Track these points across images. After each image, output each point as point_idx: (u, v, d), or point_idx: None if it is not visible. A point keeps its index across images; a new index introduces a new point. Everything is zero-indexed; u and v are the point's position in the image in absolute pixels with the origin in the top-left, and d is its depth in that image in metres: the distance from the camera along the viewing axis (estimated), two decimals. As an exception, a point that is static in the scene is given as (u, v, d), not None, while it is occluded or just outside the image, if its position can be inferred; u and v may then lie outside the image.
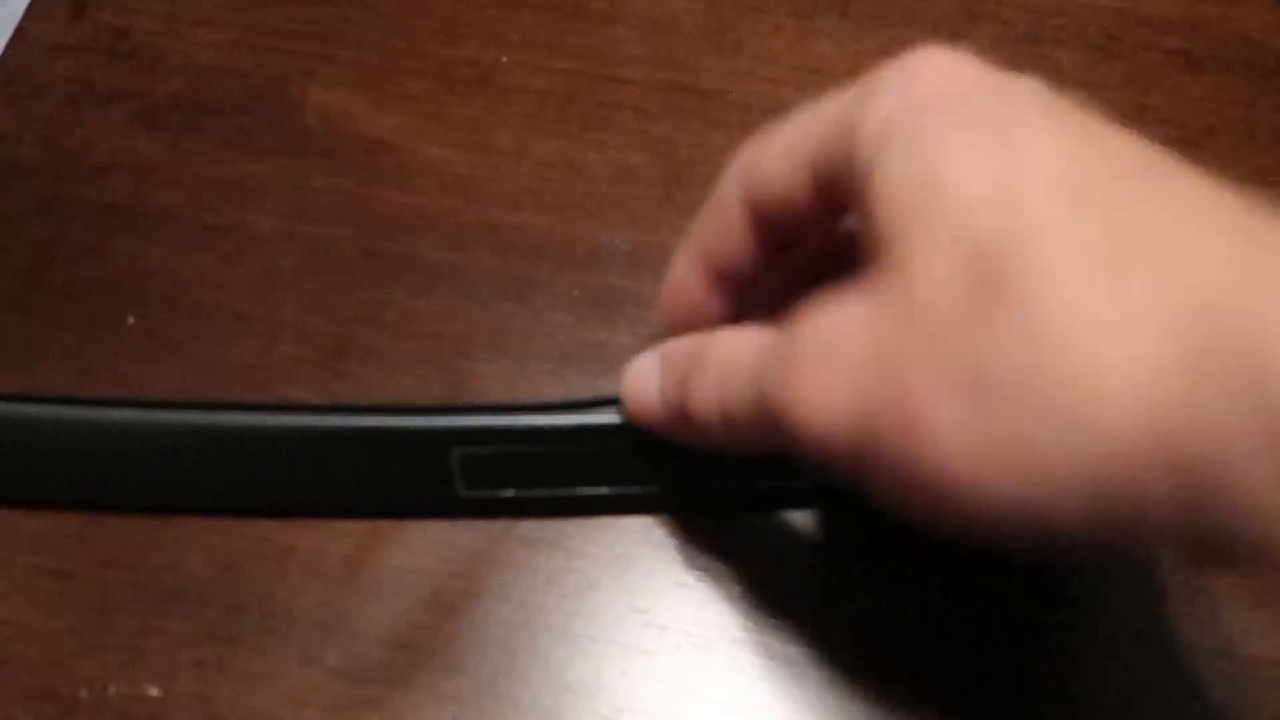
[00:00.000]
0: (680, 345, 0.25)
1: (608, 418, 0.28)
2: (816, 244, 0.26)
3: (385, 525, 0.29)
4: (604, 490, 0.29)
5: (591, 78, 0.35)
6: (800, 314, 0.21)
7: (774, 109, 0.35)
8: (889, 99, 0.21)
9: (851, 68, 0.35)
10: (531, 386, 0.31)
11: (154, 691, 0.28)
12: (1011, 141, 0.19)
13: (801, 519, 0.29)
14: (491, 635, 0.28)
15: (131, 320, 0.32)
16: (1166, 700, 0.27)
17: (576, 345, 0.31)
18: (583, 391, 0.31)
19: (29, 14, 0.37)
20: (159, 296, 0.32)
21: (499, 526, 0.29)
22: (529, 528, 0.29)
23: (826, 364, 0.20)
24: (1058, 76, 0.35)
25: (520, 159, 0.34)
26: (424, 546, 0.29)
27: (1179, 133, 0.34)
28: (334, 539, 0.29)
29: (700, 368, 0.24)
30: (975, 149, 0.19)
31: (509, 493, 0.29)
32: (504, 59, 0.36)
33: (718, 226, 0.25)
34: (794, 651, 0.28)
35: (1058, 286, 0.18)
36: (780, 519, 0.29)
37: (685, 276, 0.26)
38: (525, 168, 0.34)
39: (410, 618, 0.28)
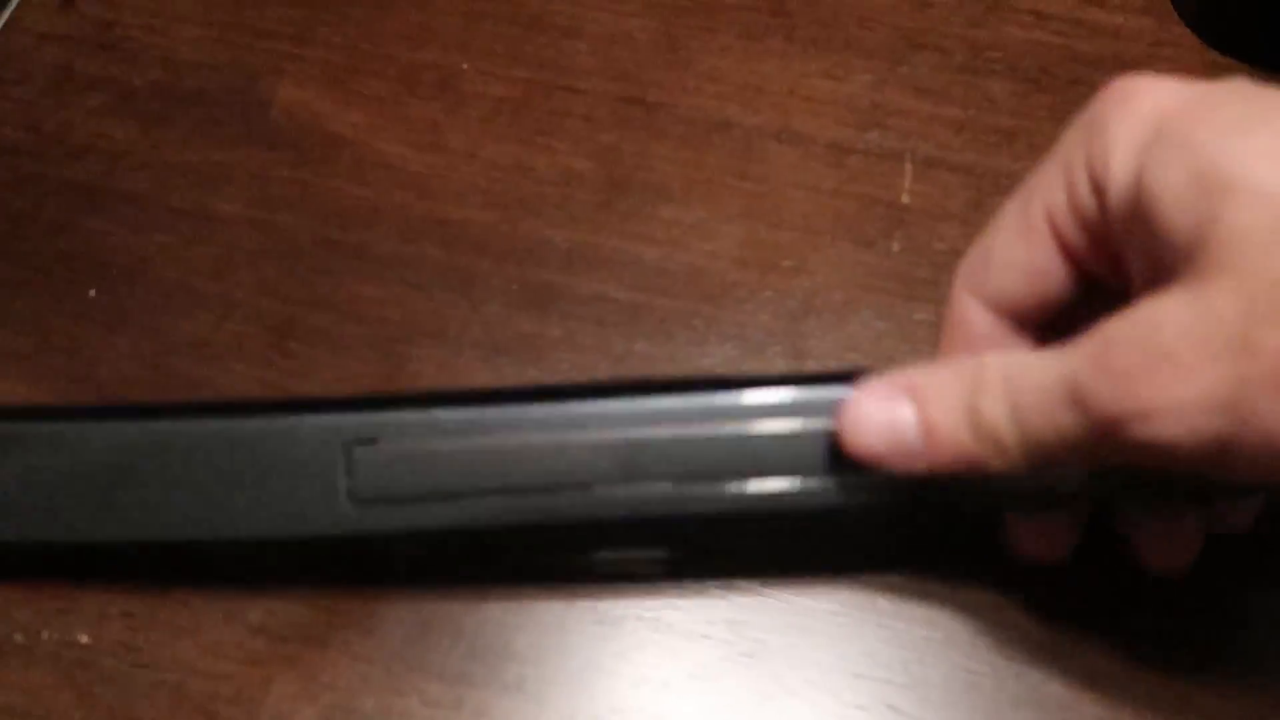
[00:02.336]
0: (935, 377, 0.24)
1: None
2: None
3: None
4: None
5: (546, 87, 0.37)
6: (1107, 330, 0.22)
7: (718, 124, 0.37)
8: (1125, 124, 0.22)
9: (793, 88, 0.37)
10: (465, 372, 0.33)
11: (84, 639, 0.29)
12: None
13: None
14: (406, 603, 0.29)
15: (93, 293, 0.34)
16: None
17: (510, 336, 0.33)
18: (512, 381, 0.32)
19: (22, 4, 0.40)
20: (121, 271, 0.34)
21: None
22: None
23: (1172, 363, 0.20)
24: (990, 106, 0.37)
25: (472, 159, 0.36)
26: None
27: (1102, 164, 0.36)
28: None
29: (986, 392, 0.23)
30: (1255, 140, 0.20)
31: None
32: (465, 66, 0.38)
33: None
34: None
35: None
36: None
37: (966, 309, 0.26)
38: (476, 167, 0.36)
39: (331, 582, 0.30)
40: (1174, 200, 0.21)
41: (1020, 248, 0.25)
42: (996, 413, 0.23)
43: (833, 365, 0.32)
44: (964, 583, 0.29)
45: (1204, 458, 0.21)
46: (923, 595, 0.29)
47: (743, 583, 0.29)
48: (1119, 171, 0.22)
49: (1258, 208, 0.20)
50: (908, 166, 0.36)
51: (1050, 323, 0.26)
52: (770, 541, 0.30)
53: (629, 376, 0.32)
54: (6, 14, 0.39)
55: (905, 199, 0.35)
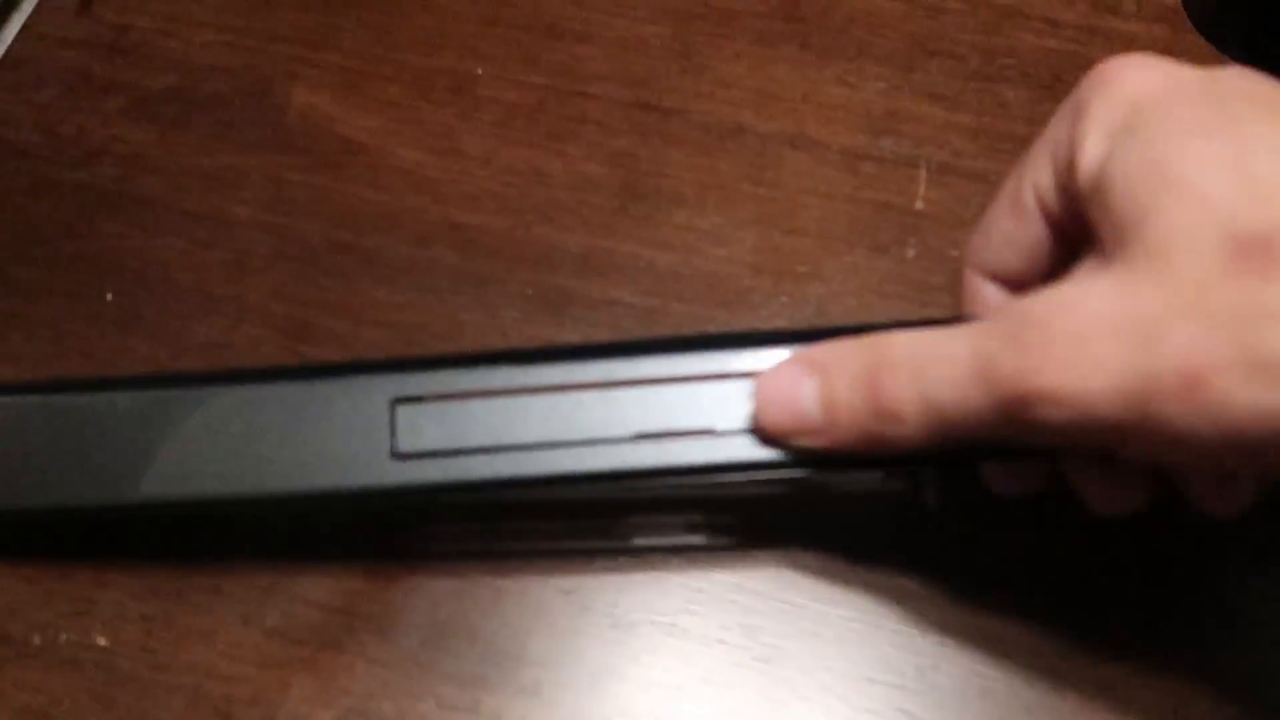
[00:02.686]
0: (837, 352, 0.25)
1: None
2: None
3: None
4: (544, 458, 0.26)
5: (560, 92, 0.37)
6: (1025, 306, 0.22)
7: (732, 130, 0.37)
8: (1101, 106, 0.23)
9: (807, 94, 0.37)
10: (480, 376, 0.33)
11: (102, 641, 0.29)
12: (1243, 137, 0.21)
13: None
14: (423, 606, 0.30)
15: (109, 296, 0.34)
16: None
17: (524, 340, 0.33)
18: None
19: (39, 9, 0.40)
20: (136, 275, 0.34)
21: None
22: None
23: (1086, 342, 0.21)
24: (1004, 113, 0.37)
25: (486, 164, 0.36)
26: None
27: (1115, 170, 0.36)
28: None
29: (888, 367, 0.23)
30: (1208, 144, 0.21)
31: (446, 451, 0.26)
32: (479, 71, 0.38)
33: (1016, 220, 0.26)
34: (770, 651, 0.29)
35: None
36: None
37: (979, 287, 0.27)
38: (490, 172, 0.36)
39: (347, 585, 0.30)
40: (1123, 188, 0.21)
41: (1013, 223, 0.26)
42: (899, 387, 0.23)
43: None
44: (978, 590, 0.29)
45: (1100, 442, 0.21)
46: (936, 601, 0.29)
47: (757, 587, 0.30)
48: (1090, 152, 0.23)
49: (1195, 210, 0.20)
50: (922, 173, 0.36)
51: None
52: (785, 542, 0.30)
53: (667, 335, 0.32)
54: (22, 18, 0.40)
55: (919, 205, 0.35)
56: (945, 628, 0.29)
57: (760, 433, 0.25)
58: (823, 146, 0.36)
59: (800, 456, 0.25)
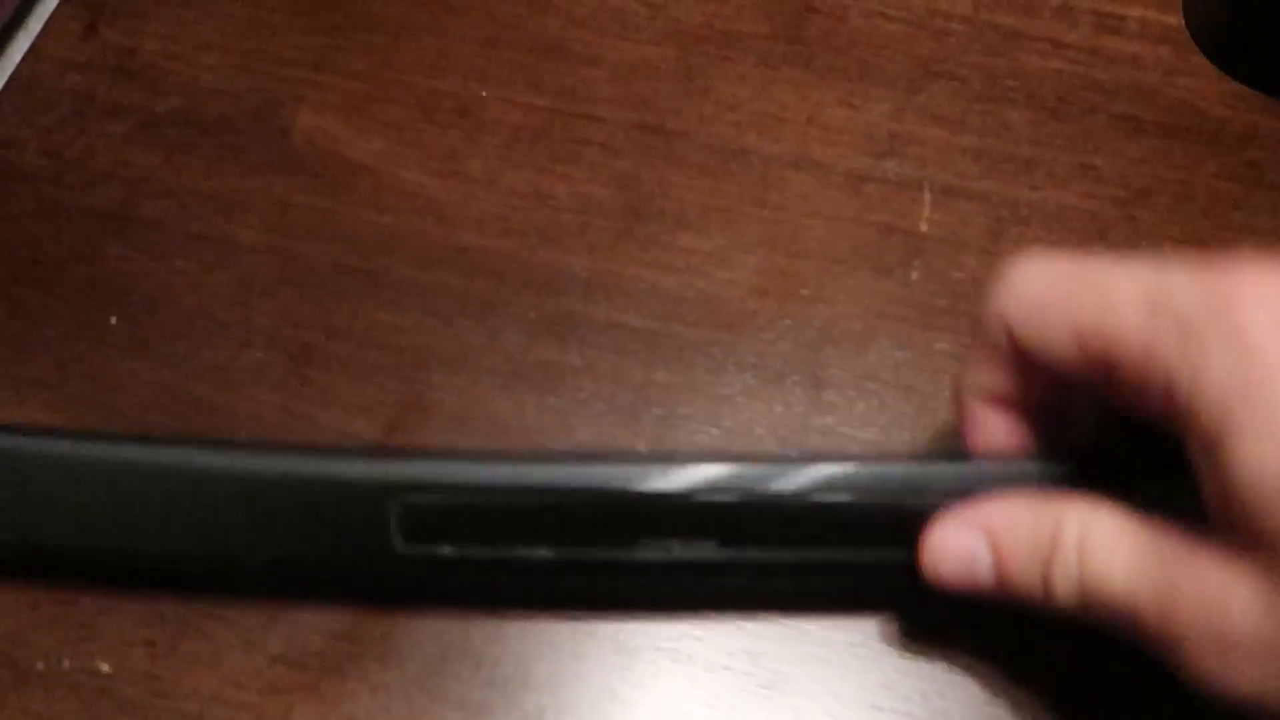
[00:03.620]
0: (1013, 522, 0.25)
1: (557, 468, 0.27)
2: None
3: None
4: (546, 553, 0.27)
5: (565, 115, 0.37)
6: (1173, 577, 0.22)
7: (736, 152, 0.37)
8: (1223, 357, 0.21)
9: (811, 116, 0.37)
10: (484, 400, 0.33)
11: (105, 667, 0.29)
12: None
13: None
14: (426, 632, 0.29)
15: (113, 320, 0.34)
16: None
17: (529, 363, 0.33)
18: (531, 409, 0.32)
19: (44, 31, 0.40)
20: (141, 299, 0.34)
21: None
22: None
23: (1227, 654, 0.21)
24: (1008, 134, 0.37)
25: (491, 187, 0.36)
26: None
27: (1120, 192, 0.36)
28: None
29: (1060, 565, 0.24)
30: None
31: (448, 550, 0.27)
32: (484, 93, 0.38)
33: (994, 368, 0.25)
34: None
35: None
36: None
37: (977, 414, 0.26)
38: (495, 195, 0.36)
39: (351, 611, 0.30)
40: (1260, 490, 0.21)
41: (1066, 349, 0.24)
42: (1066, 585, 0.24)
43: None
44: (985, 616, 0.29)
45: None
46: (943, 628, 0.29)
47: (762, 613, 0.29)
48: (1206, 410, 0.21)
49: None
50: (926, 195, 0.36)
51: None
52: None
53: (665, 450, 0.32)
54: (29, 41, 0.40)
55: (923, 227, 0.35)
56: (952, 654, 0.29)
57: (927, 578, 0.26)
58: (826, 168, 0.36)
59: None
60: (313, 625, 0.30)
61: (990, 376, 0.26)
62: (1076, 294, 0.23)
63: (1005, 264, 0.25)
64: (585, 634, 0.29)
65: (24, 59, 0.39)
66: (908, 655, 0.29)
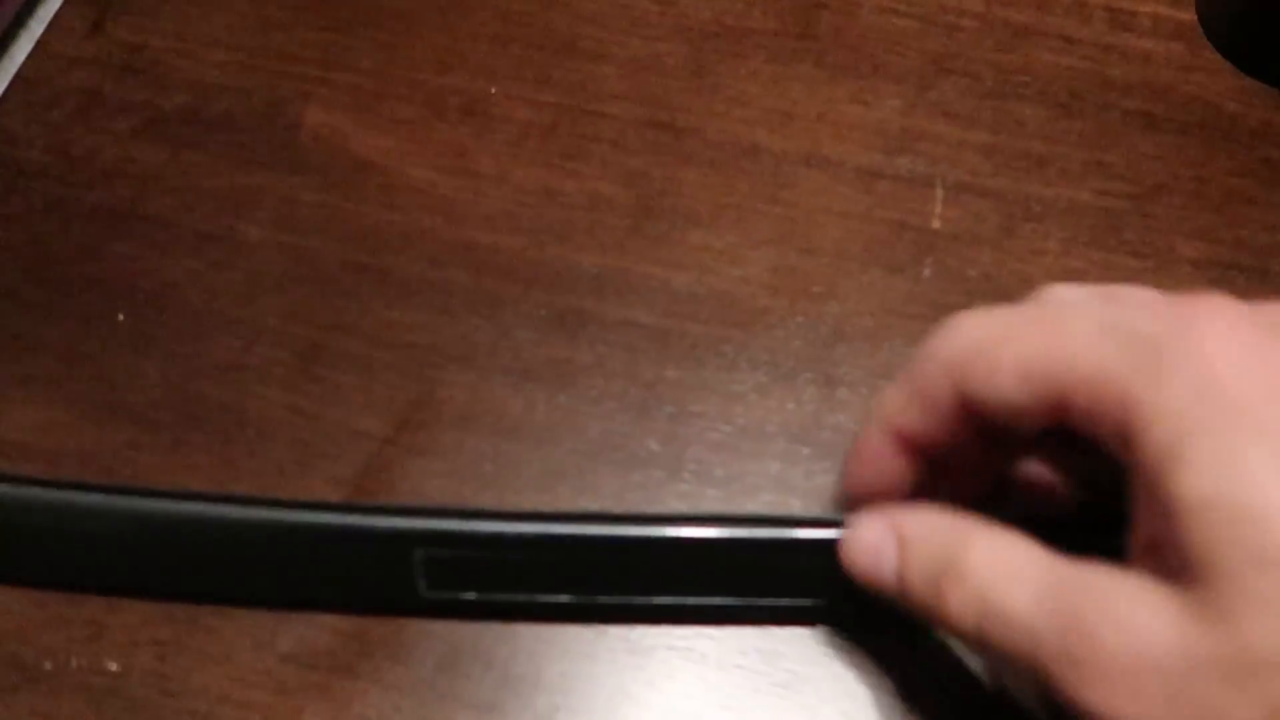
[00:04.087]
0: (921, 531, 0.25)
1: (573, 529, 0.28)
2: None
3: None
4: (565, 598, 0.29)
5: (574, 111, 0.37)
6: (1085, 605, 0.21)
7: (747, 148, 0.37)
8: (1180, 385, 0.20)
9: (822, 113, 0.37)
10: (494, 398, 0.32)
11: (113, 667, 0.29)
12: None
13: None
14: (437, 631, 0.29)
15: (121, 317, 0.34)
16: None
17: (540, 361, 0.33)
18: (541, 406, 0.32)
19: (50, 27, 0.40)
20: (149, 296, 0.34)
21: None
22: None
23: (1132, 686, 0.20)
24: (1020, 131, 0.37)
25: (500, 184, 0.36)
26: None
27: (1133, 189, 0.35)
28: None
29: (958, 580, 0.23)
30: None
31: (471, 595, 0.29)
32: (492, 90, 0.38)
33: (920, 411, 0.25)
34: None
35: None
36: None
37: (876, 445, 0.26)
38: (504, 192, 0.36)
39: (362, 611, 0.30)
40: (1201, 516, 0.20)
41: (1017, 392, 0.23)
42: (963, 604, 0.23)
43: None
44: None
45: None
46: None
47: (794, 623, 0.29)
48: (1157, 438, 0.20)
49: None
50: (938, 191, 0.35)
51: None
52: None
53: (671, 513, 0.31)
54: (35, 38, 0.39)
55: (936, 224, 0.35)
56: (969, 654, 0.29)
57: (842, 563, 0.26)
58: (838, 165, 0.36)
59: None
60: (323, 624, 0.29)
61: (905, 415, 0.25)
62: (1025, 330, 0.23)
63: (948, 319, 0.25)
64: (597, 633, 0.29)
65: (30, 55, 0.39)
66: (924, 655, 0.29)
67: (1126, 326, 0.22)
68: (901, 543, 0.25)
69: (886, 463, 0.26)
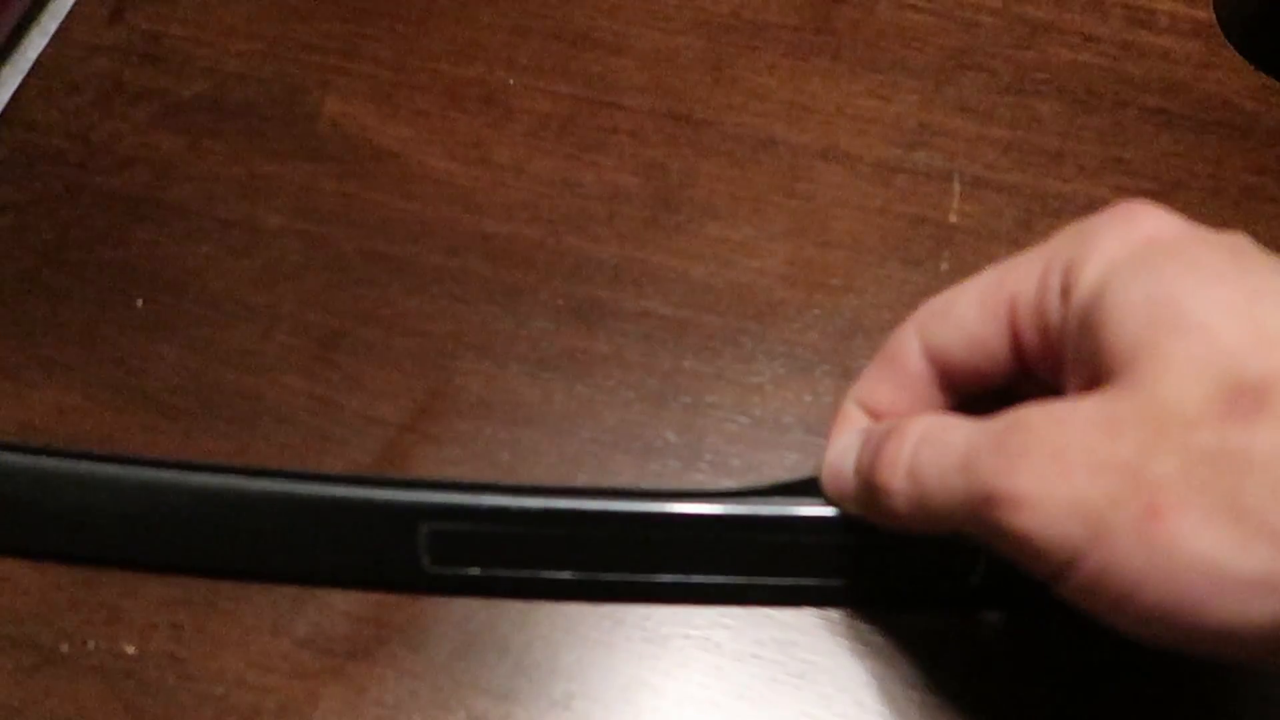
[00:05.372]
0: (882, 424, 0.26)
1: (578, 502, 0.28)
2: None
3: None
4: (568, 575, 0.29)
5: (592, 103, 0.37)
6: (1019, 412, 0.22)
7: (764, 141, 0.37)
8: (1112, 239, 0.23)
9: (840, 106, 0.37)
10: (511, 387, 0.32)
11: (130, 649, 0.29)
12: (1254, 287, 0.21)
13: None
14: (453, 617, 0.29)
15: (140, 303, 0.34)
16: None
17: (556, 351, 0.33)
18: (559, 396, 0.32)
19: (71, 15, 0.40)
20: (168, 282, 0.34)
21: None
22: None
23: (1058, 459, 0.21)
24: (1038, 127, 0.37)
25: (518, 174, 0.36)
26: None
27: (1150, 185, 0.36)
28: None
29: (897, 436, 0.24)
30: (1220, 288, 0.21)
31: (474, 571, 0.29)
32: (511, 81, 0.38)
33: (894, 384, 0.26)
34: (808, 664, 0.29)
35: None
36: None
37: (852, 417, 0.27)
38: (522, 182, 0.36)
39: (377, 596, 0.30)
40: (1123, 316, 0.21)
41: (976, 318, 0.25)
42: (894, 460, 0.24)
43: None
44: (1018, 608, 0.29)
45: (1054, 564, 0.21)
46: (974, 618, 0.29)
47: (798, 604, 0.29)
48: (1089, 277, 0.22)
49: (1196, 347, 0.20)
50: (955, 186, 0.35)
51: (976, 395, 0.26)
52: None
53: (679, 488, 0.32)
54: (56, 25, 0.40)
55: (953, 218, 0.35)
56: (984, 643, 0.29)
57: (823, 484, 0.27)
58: (855, 159, 0.36)
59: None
60: (339, 609, 0.29)
61: (880, 391, 0.27)
62: (981, 275, 0.25)
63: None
64: (614, 621, 0.29)
65: (50, 43, 0.39)
66: (939, 644, 0.29)
67: (1069, 230, 0.24)
68: (863, 434, 0.26)
69: (995, 327, 0.26)
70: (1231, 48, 0.38)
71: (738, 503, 0.28)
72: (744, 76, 0.38)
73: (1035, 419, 0.21)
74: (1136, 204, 0.23)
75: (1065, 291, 0.23)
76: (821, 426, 0.32)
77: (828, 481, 0.27)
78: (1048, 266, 0.24)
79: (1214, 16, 0.38)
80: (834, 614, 0.29)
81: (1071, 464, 0.20)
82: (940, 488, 0.23)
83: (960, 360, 0.25)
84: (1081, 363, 0.22)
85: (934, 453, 0.23)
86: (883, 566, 0.28)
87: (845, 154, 0.36)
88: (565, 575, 0.29)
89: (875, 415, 0.27)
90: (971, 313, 0.25)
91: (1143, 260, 0.22)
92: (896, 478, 0.24)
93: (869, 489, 0.25)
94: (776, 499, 0.28)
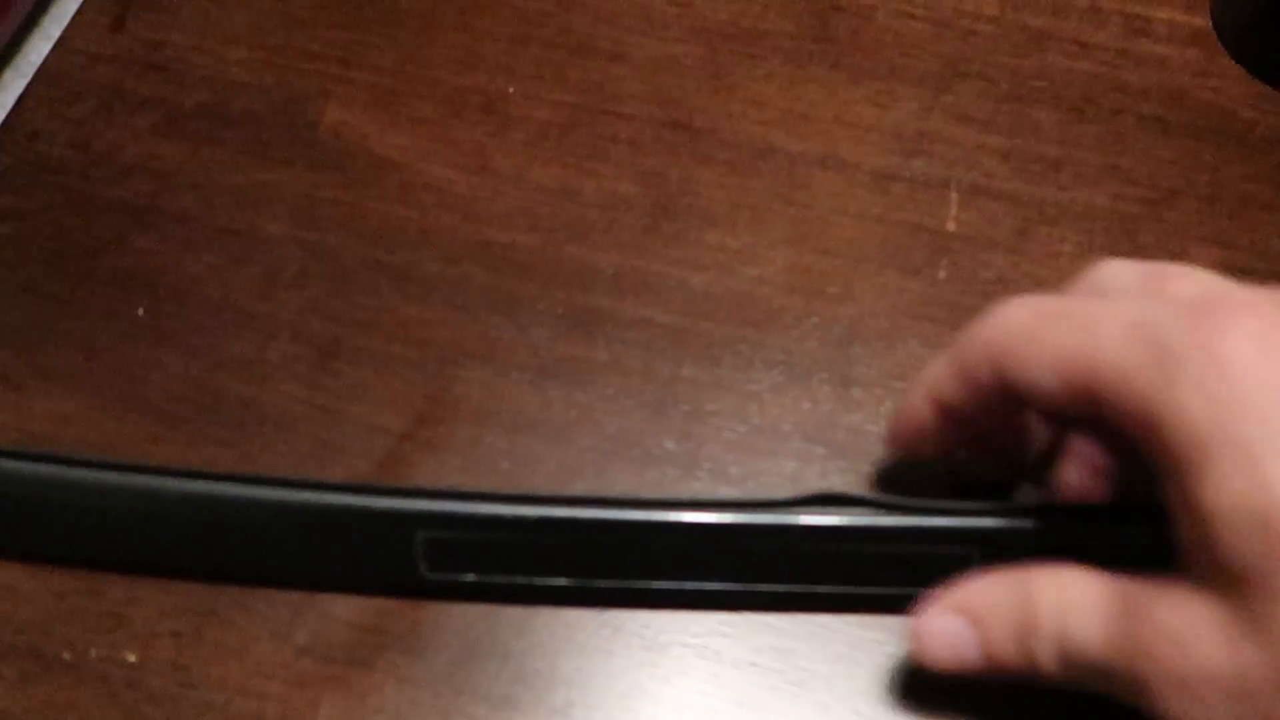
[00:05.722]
0: (988, 602, 0.26)
1: (572, 511, 0.28)
2: None
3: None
4: (563, 582, 0.29)
5: (591, 111, 0.37)
6: (1150, 622, 0.22)
7: (763, 150, 0.37)
8: (1196, 391, 0.21)
9: (838, 114, 0.37)
10: (511, 395, 0.33)
11: (131, 657, 0.29)
12: None
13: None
14: (452, 625, 0.29)
15: (141, 311, 0.34)
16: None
17: (556, 359, 0.33)
18: (558, 404, 0.32)
19: (72, 23, 0.40)
20: (169, 290, 0.34)
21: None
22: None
23: (1197, 693, 0.21)
24: (1035, 135, 0.37)
25: (518, 182, 0.36)
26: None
27: (1148, 194, 0.36)
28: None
29: (1036, 637, 0.24)
30: None
31: (470, 577, 0.29)
32: (510, 89, 0.38)
33: (963, 387, 0.26)
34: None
35: None
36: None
37: (920, 411, 0.27)
38: (522, 191, 0.36)
39: (378, 604, 0.30)
40: (1230, 520, 0.20)
41: (1055, 387, 0.24)
42: (1048, 655, 0.24)
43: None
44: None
45: None
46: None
47: (791, 610, 0.29)
48: (1179, 440, 0.21)
49: None
50: (953, 194, 0.36)
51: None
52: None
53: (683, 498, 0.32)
54: (57, 33, 0.40)
55: (951, 227, 0.35)
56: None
57: (918, 662, 0.27)
58: (854, 167, 0.36)
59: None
60: (340, 617, 0.30)
61: (949, 387, 0.26)
62: (1060, 326, 0.24)
63: (993, 304, 0.25)
64: (613, 629, 0.29)
65: (52, 51, 0.39)
66: (936, 654, 0.29)
67: (1151, 328, 0.22)
68: (976, 623, 0.26)
69: (926, 426, 0.27)
70: (1228, 56, 0.38)
71: (737, 512, 0.28)
72: (743, 85, 0.38)
73: (1165, 652, 0.22)
74: (1225, 323, 0.22)
75: (1147, 435, 0.22)
76: (820, 434, 0.32)
77: (940, 662, 0.26)
78: (1127, 381, 0.22)
79: (1211, 25, 0.39)
80: (833, 622, 0.29)
81: (1206, 700, 0.21)
82: (1089, 681, 0.24)
83: (1031, 403, 0.25)
84: (1183, 518, 0.22)
85: (1075, 655, 0.24)
86: (882, 575, 0.28)
87: (843, 162, 0.36)
88: (561, 582, 0.29)
89: (940, 405, 0.27)
90: (1046, 378, 0.24)
91: (1234, 448, 0.20)
92: (1054, 672, 0.25)
93: (1022, 676, 0.25)
94: (776, 508, 0.28)
